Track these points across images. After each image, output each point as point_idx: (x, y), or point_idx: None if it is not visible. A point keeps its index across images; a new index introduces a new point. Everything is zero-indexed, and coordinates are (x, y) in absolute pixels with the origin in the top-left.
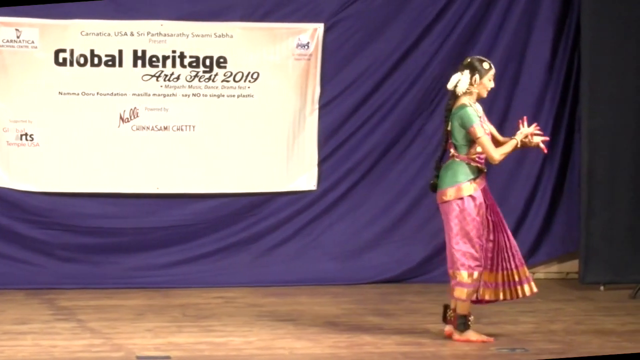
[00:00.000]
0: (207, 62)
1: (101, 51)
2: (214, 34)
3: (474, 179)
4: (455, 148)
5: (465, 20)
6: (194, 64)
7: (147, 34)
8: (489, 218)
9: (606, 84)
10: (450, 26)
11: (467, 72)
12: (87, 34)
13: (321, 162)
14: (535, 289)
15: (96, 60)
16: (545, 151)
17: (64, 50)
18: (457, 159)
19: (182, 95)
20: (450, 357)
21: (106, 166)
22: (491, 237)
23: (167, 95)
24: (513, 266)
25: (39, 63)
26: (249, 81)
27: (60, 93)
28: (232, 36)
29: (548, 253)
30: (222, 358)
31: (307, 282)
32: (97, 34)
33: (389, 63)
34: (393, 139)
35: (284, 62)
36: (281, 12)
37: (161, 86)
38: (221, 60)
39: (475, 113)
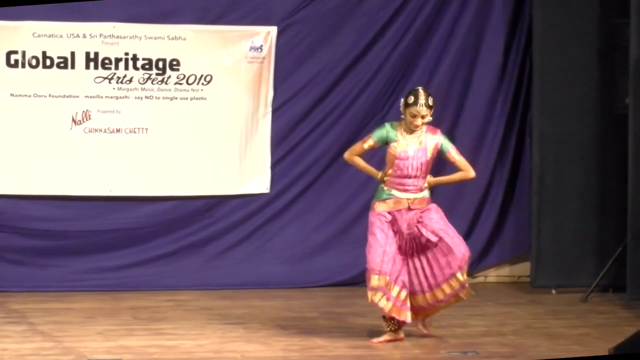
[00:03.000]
0: (160, 64)
1: (53, 53)
2: (167, 36)
3: (384, 201)
4: None
5: (418, 24)
6: (147, 67)
7: (100, 36)
8: (403, 245)
9: (557, 89)
10: (402, 30)
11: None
12: (39, 36)
13: (273, 165)
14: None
15: (48, 62)
16: None
17: (15, 52)
18: None
19: (135, 97)
20: None
21: (58, 168)
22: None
23: (120, 97)
24: (426, 288)
25: None
26: (202, 84)
27: (11, 95)
28: (185, 39)
29: (499, 256)
30: None
31: (258, 285)
32: (49, 36)
33: (342, 66)
34: (345, 142)
35: (237, 65)
36: (233, 15)
37: (114, 88)
38: (174, 62)
39: (385, 130)
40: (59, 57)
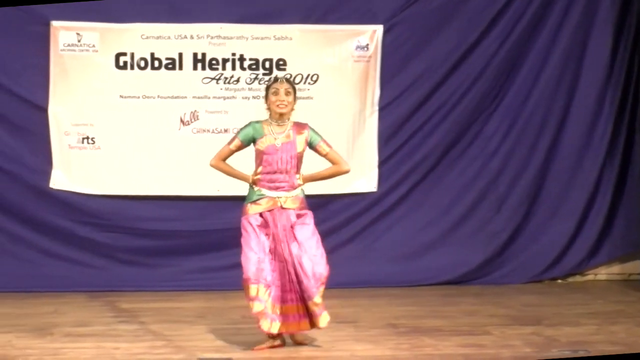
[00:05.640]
0: (267, 64)
1: (161, 54)
2: (273, 36)
3: (256, 202)
4: None
5: (523, 22)
6: (254, 67)
7: (207, 37)
8: (276, 247)
9: None
10: (508, 28)
11: None
12: (147, 38)
13: (381, 164)
14: (316, 326)
15: (156, 64)
16: None
17: (124, 54)
18: None
19: (242, 97)
20: (511, 359)
21: (167, 169)
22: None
23: (227, 97)
24: (299, 298)
25: (99, 67)
26: (309, 83)
27: (121, 96)
28: (291, 38)
29: (609, 254)
30: (282, 359)
31: (366, 284)
32: (157, 38)
33: (448, 64)
34: (452, 140)
35: (343, 64)
36: (338, 14)
37: (221, 89)
38: (281, 62)
39: (249, 129)
40: (167, 59)
